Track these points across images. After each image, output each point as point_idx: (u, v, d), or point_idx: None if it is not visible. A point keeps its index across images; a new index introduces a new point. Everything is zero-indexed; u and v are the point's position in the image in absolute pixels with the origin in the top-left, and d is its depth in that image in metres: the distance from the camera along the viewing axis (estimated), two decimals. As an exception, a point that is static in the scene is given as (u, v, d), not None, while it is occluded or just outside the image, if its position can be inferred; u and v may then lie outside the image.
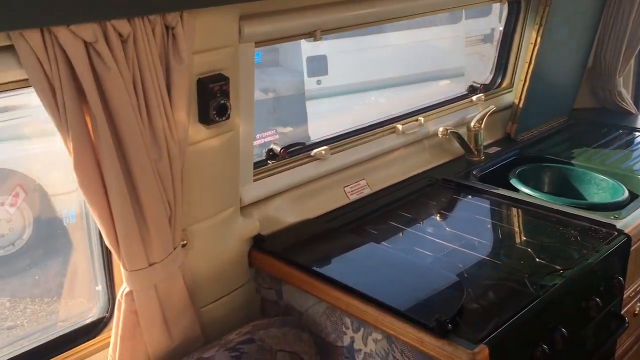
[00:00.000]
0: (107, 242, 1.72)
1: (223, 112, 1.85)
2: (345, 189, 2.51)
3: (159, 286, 1.82)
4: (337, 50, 6.77)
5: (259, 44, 2.01)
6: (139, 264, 1.76)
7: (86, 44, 1.48)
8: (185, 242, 1.93)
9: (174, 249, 1.84)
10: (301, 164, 2.37)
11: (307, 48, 6.62)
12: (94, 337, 1.94)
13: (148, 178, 1.67)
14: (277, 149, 2.31)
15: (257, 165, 2.26)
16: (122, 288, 1.81)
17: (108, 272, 1.92)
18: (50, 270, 4.07)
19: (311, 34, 2.14)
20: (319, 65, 6.81)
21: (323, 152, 2.40)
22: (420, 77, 7.37)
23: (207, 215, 1.99)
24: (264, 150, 2.33)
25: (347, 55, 6.90)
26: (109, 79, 1.52)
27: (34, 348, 1.86)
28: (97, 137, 1.56)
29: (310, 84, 6.81)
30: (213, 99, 1.82)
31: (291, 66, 6.87)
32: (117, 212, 1.66)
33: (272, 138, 4.53)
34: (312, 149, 2.41)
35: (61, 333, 1.92)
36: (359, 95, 6.96)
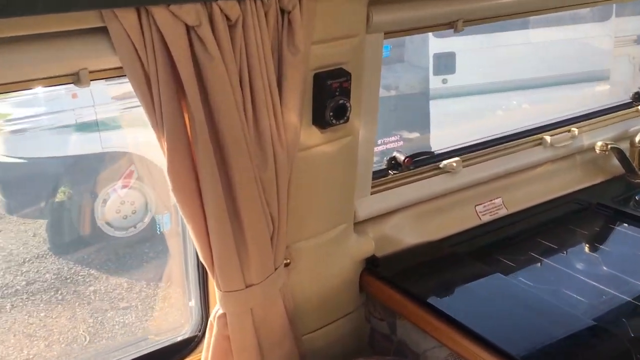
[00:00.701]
0: (200, 258, 1.49)
1: (342, 113, 1.57)
2: (476, 207, 2.15)
3: (255, 310, 1.58)
4: (466, 48, 6.31)
5: (388, 35, 1.71)
6: (235, 284, 1.53)
7: (188, 28, 1.25)
8: (288, 261, 1.67)
9: (275, 269, 1.58)
10: (427, 177, 2.04)
11: (435, 44, 6.22)
12: (185, 356, 1.74)
13: (250, 188, 1.43)
14: (401, 157, 2.00)
15: (376, 175, 1.96)
16: (215, 309, 1.58)
17: (203, 288, 1.71)
18: (166, 255, 4.03)
19: (451, 24, 1.80)
20: (446, 63, 6.38)
21: (454, 164, 2.05)
22: (558, 79, 6.71)
23: (315, 231, 1.72)
24: (385, 159, 2.02)
25: (477, 53, 6.42)
26: (211, 69, 1.28)
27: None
28: (195, 138, 1.33)
29: (435, 82, 6.41)
30: (331, 99, 1.54)
31: (416, 63, 6.49)
32: (213, 225, 1.43)
33: (395, 145, 4.16)
34: (441, 160, 2.07)
35: (152, 349, 1.74)
36: (489, 96, 6.44)
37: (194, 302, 1.77)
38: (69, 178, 4.12)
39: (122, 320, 3.79)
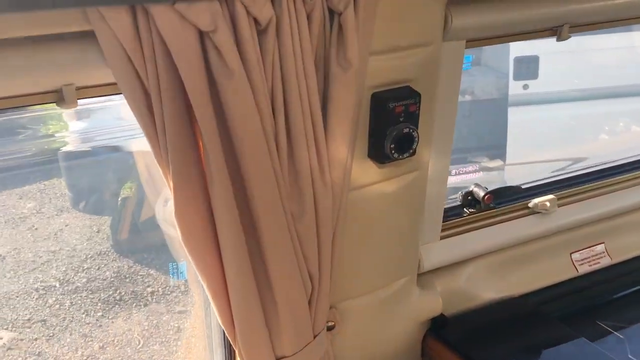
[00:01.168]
0: (219, 321, 1.18)
1: (407, 145, 1.22)
2: (572, 256, 1.74)
3: (287, 387, 1.25)
4: (551, 51, 5.77)
5: (472, 43, 1.34)
6: (261, 356, 1.20)
7: (200, 34, 0.93)
8: (332, 324, 1.33)
9: (315, 337, 1.25)
10: (512, 218, 1.65)
11: (516, 46, 5.71)
12: None
13: (281, 241, 1.10)
14: (480, 193, 1.62)
15: (448, 214, 1.59)
16: (238, 383, 1.26)
17: (229, 353, 1.39)
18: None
19: (554, 31, 1.40)
20: (528, 68, 5.86)
21: (548, 203, 1.65)
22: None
23: (368, 288, 1.38)
24: (460, 193, 1.65)
25: (564, 57, 5.86)
26: (231, 88, 0.96)
27: None
28: (210, 175, 1.01)
29: (515, 88, 5.90)
30: (393, 126, 1.19)
31: (495, 67, 5.99)
32: (233, 285, 1.11)
33: (473, 175, 3.46)
34: (531, 197, 1.67)
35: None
36: (578, 105, 5.87)
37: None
38: (135, 175, 3.98)
39: (176, 325, 3.63)
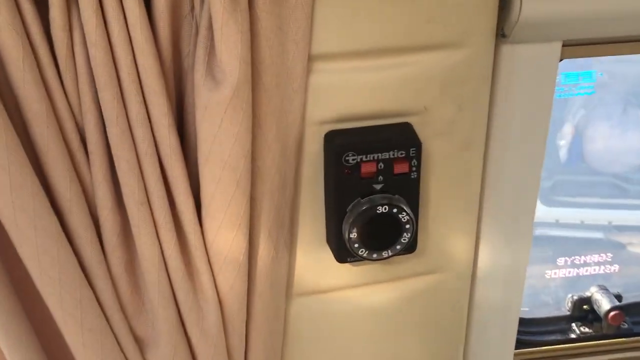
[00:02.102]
0: None
1: (386, 236, 0.64)
2: None
3: None
4: None
5: (573, 49, 0.70)
6: None
7: None
8: None
9: None
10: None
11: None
12: None
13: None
14: (604, 304, 0.94)
15: (533, 330, 0.95)
16: None
17: None
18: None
19: None
20: None
21: None
22: None
23: None
24: (570, 299, 0.99)
25: None
26: None
27: None
28: None
29: None
30: (359, 198, 0.63)
31: None
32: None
33: (595, 269, 1.96)
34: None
35: None
36: None
37: None
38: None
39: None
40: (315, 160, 0.64)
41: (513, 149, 0.72)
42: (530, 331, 0.95)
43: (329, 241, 0.68)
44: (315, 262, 0.69)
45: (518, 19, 0.63)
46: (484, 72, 0.65)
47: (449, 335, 0.80)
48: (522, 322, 0.96)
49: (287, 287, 0.69)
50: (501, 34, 0.65)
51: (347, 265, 0.69)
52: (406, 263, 0.71)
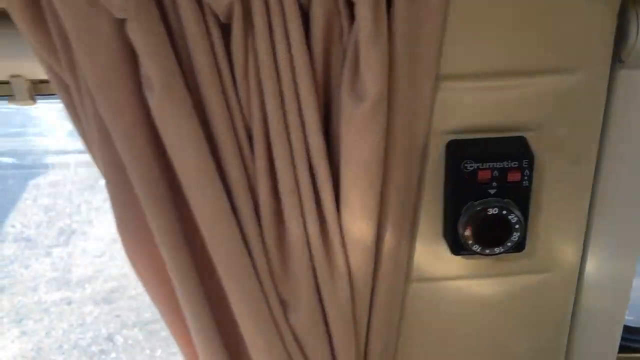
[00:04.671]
0: None
1: (498, 235, 0.74)
2: None
3: None
4: None
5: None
6: None
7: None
8: None
9: None
10: None
11: None
12: None
13: (264, 337, 0.77)
14: None
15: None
16: None
17: None
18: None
19: None
20: None
21: None
22: None
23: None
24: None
25: None
26: (154, 105, 0.66)
27: None
28: (154, 228, 0.74)
29: None
30: (474, 200, 0.73)
31: None
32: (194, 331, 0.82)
33: None
34: None
35: None
36: None
37: None
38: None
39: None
40: (436, 165, 0.74)
41: (626, 166, 0.77)
42: (636, 339, 0.99)
43: (445, 235, 0.78)
44: (431, 253, 0.80)
45: (634, 45, 0.69)
46: (598, 95, 0.72)
47: (552, 335, 0.87)
48: (627, 329, 0.99)
49: (406, 273, 0.80)
50: (618, 59, 0.72)
51: (460, 257, 0.79)
52: (515, 261, 0.79)
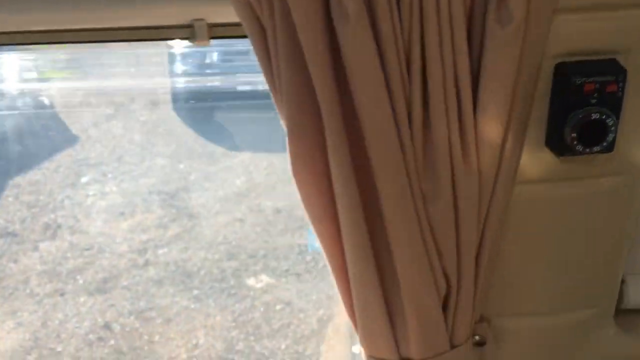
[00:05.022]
0: (340, 295, 1.08)
1: (597, 136, 0.93)
2: None
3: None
4: None
5: None
6: (383, 352, 1.07)
7: None
8: (480, 339, 1.12)
9: (453, 347, 1.06)
10: None
11: None
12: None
13: (406, 223, 0.94)
14: None
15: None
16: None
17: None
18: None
19: None
20: None
21: None
22: None
23: (536, 307, 1.12)
24: None
25: None
26: (346, 33, 0.84)
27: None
28: (327, 135, 0.91)
29: None
30: (579, 109, 0.92)
31: None
32: (352, 262, 1.00)
33: None
34: None
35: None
36: None
37: (358, 350, 1.36)
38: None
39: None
40: (543, 83, 0.93)
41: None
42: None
43: (547, 142, 0.97)
44: (531, 157, 0.98)
45: None
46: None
47: (621, 228, 1.07)
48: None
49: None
50: None
51: (555, 161, 0.98)
52: (601, 164, 0.99)
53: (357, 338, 1.32)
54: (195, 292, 3.75)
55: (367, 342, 1.08)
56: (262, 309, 3.64)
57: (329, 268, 1.05)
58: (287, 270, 3.89)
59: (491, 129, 0.90)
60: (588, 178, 1.00)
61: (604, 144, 0.93)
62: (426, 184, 0.94)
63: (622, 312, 1.18)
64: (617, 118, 0.92)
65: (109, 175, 4.46)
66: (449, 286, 1.00)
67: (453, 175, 0.92)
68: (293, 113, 0.90)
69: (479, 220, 0.97)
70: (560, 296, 1.12)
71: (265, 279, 3.83)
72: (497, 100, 0.88)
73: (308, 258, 3.95)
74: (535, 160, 0.99)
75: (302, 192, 0.97)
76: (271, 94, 0.93)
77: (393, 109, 0.88)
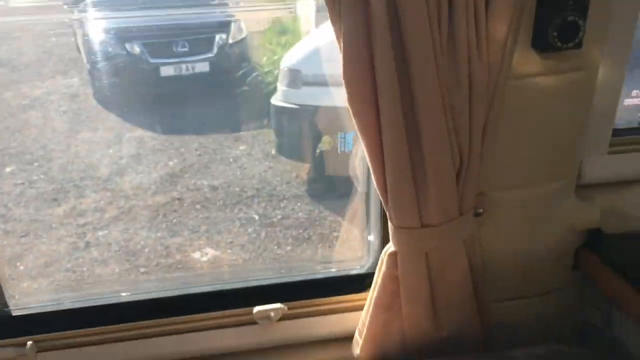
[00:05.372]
0: (374, 182, 1.34)
1: (571, 34, 1.26)
2: None
3: (431, 256, 1.39)
4: None
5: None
6: (408, 220, 1.35)
7: None
8: (480, 210, 1.43)
9: (460, 214, 1.36)
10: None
11: None
12: (356, 292, 1.63)
13: (434, 109, 1.23)
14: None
15: (621, 133, 1.57)
16: (387, 246, 1.43)
17: (383, 221, 1.56)
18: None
19: None
20: None
21: None
22: None
23: (521, 181, 1.44)
24: None
25: None
26: None
27: (295, 282, 1.69)
28: (374, 38, 1.17)
29: None
30: (557, 14, 1.24)
31: None
32: (388, 146, 1.27)
33: None
34: None
35: (322, 276, 1.67)
36: None
37: (373, 237, 1.63)
38: (333, 128, 4.29)
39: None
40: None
41: (619, 9, 1.33)
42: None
43: (533, 43, 1.28)
44: (521, 56, 1.29)
45: None
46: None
47: (581, 114, 1.41)
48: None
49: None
50: None
51: (539, 59, 1.29)
52: (572, 60, 1.31)
53: (372, 228, 1.60)
54: (142, 269, 3.84)
55: (396, 214, 1.35)
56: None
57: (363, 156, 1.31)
58: (231, 242, 4.06)
59: (498, 30, 1.20)
60: (562, 73, 1.33)
61: (576, 40, 1.26)
62: (448, 75, 1.22)
63: (580, 188, 1.53)
64: (585, 20, 1.25)
65: (35, 164, 4.43)
66: (461, 160, 1.30)
67: (470, 68, 1.21)
68: (348, 21, 1.16)
69: (486, 105, 1.27)
70: (536, 170, 1.44)
71: (210, 251, 3.99)
72: (504, 6, 1.18)
73: (250, 230, 4.14)
74: (523, 59, 1.30)
75: (350, 92, 1.23)
76: (332, 25, 1.18)
77: (427, 16, 1.16)
